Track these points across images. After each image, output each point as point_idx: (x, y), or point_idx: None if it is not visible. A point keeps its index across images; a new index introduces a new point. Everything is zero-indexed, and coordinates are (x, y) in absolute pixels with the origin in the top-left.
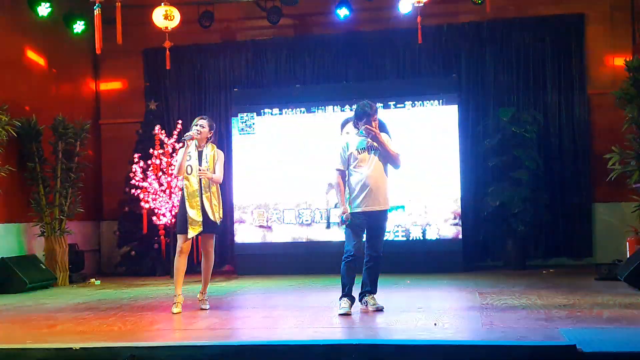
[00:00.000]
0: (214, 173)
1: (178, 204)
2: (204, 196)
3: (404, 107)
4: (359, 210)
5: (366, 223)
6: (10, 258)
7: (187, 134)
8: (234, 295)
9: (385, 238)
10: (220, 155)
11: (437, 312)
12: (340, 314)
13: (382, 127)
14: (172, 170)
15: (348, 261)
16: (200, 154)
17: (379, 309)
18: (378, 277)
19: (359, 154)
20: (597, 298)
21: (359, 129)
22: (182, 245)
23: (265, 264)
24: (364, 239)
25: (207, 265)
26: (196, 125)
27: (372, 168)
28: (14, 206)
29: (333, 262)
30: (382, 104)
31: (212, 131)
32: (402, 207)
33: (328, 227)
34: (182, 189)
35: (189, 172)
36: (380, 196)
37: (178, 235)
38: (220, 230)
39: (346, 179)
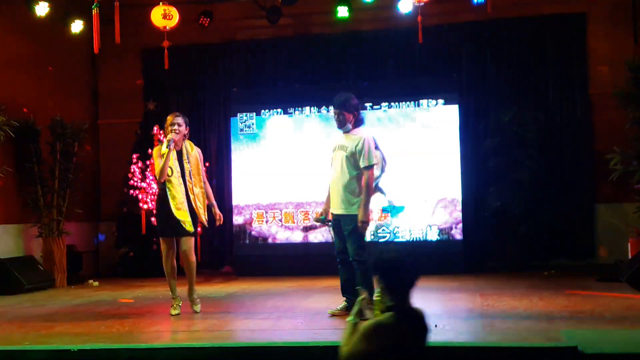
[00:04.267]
0: (201, 179)
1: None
2: (191, 198)
3: (404, 107)
4: (331, 212)
5: (338, 224)
6: (7, 259)
7: (168, 139)
8: (233, 296)
9: (362, 240)
10: (201, 154)
11: (438, 314)
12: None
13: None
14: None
15: (337, 262)
16: (179, 153)
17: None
18: (364, 282)
19: (331, 152)
20: (598, 299)
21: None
22: (166, 247)
23: (264, 266)
24: (343, 240)
25: (190, 266)
26: (172, 125)
27: (333, 169)
28: (12, 207)
29: (333, 264)
30: (383, 104)
31: (188, 127)
32: (402, 208)
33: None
34: (161, 190)
35: (170, 174)
36: (338, 199)
37: (161, 239)
38: (194, 233)
39: None
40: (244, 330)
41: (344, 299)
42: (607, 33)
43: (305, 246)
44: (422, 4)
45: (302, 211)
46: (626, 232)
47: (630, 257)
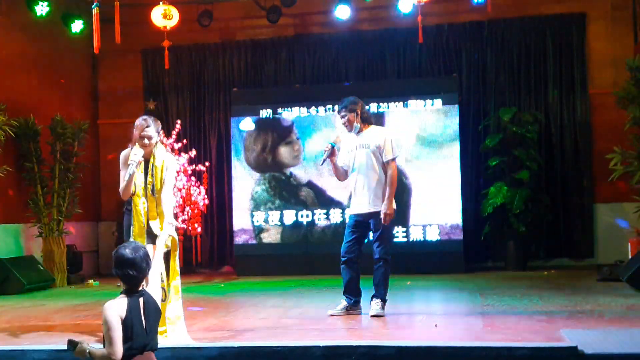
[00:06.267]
0: (162, 190)
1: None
2: (150, 221)
3: (404, 107)
4: (351, 212)
5: (360, 225)
6: (8, 259)
7: (133, 160)
8: (233, 296)
9: (391, 240)
10: (171, 163)
11: (437, 314)
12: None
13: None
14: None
15: (340, 263)
16: (145, 164)
17: (377, 315)
18: (384, 280)
19: (348, 153)
20: (598, 299)
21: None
22: None
23: (265, 265)
24: (355, 241)
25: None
26: (142, 139)
27: (358, 168)
28: (12, 207)
29: (333, 263)
30: (383, 104)
31: (160, 134)
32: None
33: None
34: (127, 204)
35: (134, 191)
36: (369, 197)
37: None
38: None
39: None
40: (244, 330)
41: (344, 298)
42: (607, 33)
43: (306, 246)
44: (422, 3)
45: (303, 211)
46: (626, 232)
47: (630, 257)
